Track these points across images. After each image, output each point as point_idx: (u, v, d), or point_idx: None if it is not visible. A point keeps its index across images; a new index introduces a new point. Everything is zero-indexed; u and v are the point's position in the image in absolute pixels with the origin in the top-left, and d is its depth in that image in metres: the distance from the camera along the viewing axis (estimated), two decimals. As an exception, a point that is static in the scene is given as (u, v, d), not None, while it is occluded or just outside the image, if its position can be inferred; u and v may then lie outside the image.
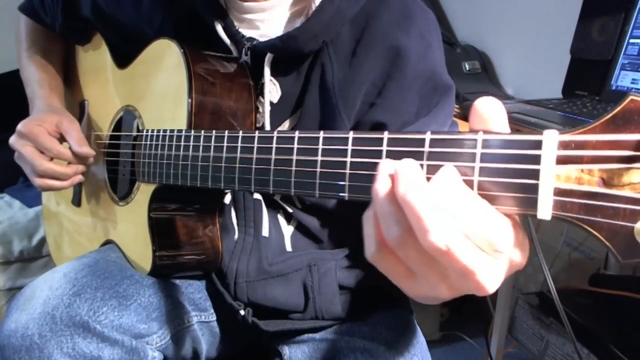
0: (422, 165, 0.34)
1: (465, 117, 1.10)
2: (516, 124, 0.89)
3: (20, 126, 0.75)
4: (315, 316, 0.72)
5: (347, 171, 0.39)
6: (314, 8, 0.62)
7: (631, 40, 1.03)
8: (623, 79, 1.04)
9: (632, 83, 1.03)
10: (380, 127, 0.65)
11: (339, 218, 0.71)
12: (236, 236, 0.72)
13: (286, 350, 0.74)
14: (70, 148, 0.76)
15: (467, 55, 1.45)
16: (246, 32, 0.68)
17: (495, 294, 1.45)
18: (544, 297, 1.11)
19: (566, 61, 1.14)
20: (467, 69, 1.42)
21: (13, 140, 0.76)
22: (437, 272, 0.33)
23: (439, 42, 0.67)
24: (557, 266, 1.38)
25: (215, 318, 0.77)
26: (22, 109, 0.86)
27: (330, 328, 0.73)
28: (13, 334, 0.60)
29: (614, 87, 1.05)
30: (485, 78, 1.44)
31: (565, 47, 1.14)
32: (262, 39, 0.67)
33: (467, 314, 1.77)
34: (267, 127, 0.68)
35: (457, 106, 1.24)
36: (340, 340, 0.70)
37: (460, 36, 1.64)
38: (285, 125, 0.69)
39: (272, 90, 0.68)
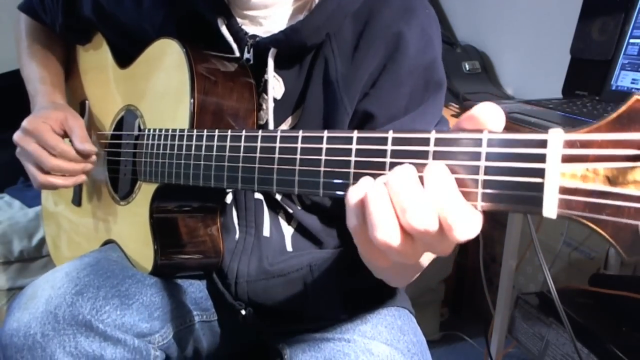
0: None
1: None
2: (516, 124, 0.89)
3: (25, 123, 0.75)
4: (316, 315, 0.72)
5: (352, 170, 0.39)
6: (317, 1, 0.63)
7: (631, 40, 1.03)
8: (623, 79, 1.04)
9: (632, 83, 1.03)
10: (369, 117, 0.65)
11: (339, 218, 0.71)
12: (237, 236, 0.73)
13: (287, 350, 0.74)
14: (72, 145, 0.76)
15: (467, 55, 1.45)
16: (249, 29, 0.68)
17: (495, 293, 1.44)
18: (544, 297, 1.11)
19: (566, 61, 1.14)
20: (467, 69, 1.42)
21: (17, 136, 0.75)
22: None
23: (439, 38, 0.68)
24: (557, 266, 1.38)
25: (216, 318, 0.77)
26: (22, 110, 0.85)
27: (330, 327, 0.73)
28: (15, 332, 0.60)
29: (614, 87, 1.05)
30: (485, 78, 1.44)
31: (565, 47, 1.14)
32: (264, 36, 0.67)
33: (467, 314, 1.77)
34: (271, 124, 0.67)
35: (456, 106, 1.24)
36: (341, 339, 0.70)
37: (460, 36, 1.65)
38: (288, 122, 0.69)
39: (276, 87, 0.68)
